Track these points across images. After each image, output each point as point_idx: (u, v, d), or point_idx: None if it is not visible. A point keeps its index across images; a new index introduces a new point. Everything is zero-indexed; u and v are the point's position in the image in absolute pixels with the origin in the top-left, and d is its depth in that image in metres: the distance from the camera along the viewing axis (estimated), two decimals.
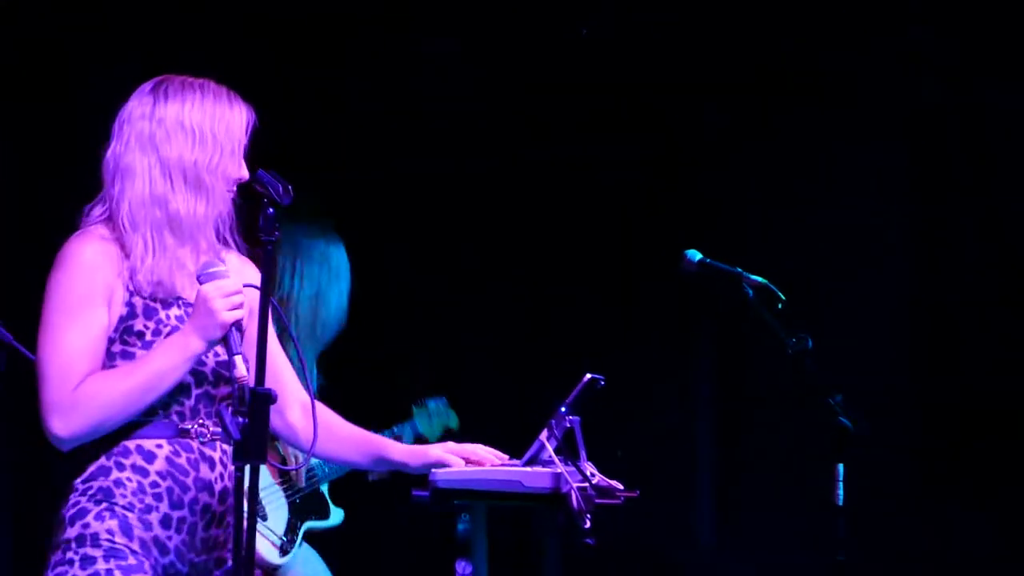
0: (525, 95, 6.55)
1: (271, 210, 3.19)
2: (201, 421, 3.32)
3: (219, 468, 3.33)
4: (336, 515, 5.47)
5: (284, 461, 5.20)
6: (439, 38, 6.39)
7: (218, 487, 3.32)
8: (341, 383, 5.38)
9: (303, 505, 5.37)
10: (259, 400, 3.09)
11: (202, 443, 3.31)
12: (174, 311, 3.33)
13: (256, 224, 3.23)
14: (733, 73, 6.58)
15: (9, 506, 5.63)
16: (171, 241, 3.32)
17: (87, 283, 3.27)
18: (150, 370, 3.22)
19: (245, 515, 3.11)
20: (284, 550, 5.29)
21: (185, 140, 3.31)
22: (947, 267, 6.42)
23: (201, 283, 3.24)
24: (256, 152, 3.47)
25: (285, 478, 5.33)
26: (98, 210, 3.38)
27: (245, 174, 3.38)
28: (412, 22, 6.34)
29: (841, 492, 4.39)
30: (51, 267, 3.32)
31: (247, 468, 3.11)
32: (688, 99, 6.61)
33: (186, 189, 3.31)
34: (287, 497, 5.34)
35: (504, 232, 6.66)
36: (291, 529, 5.33)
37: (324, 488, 5.45)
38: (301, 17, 6.09)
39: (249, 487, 3.10)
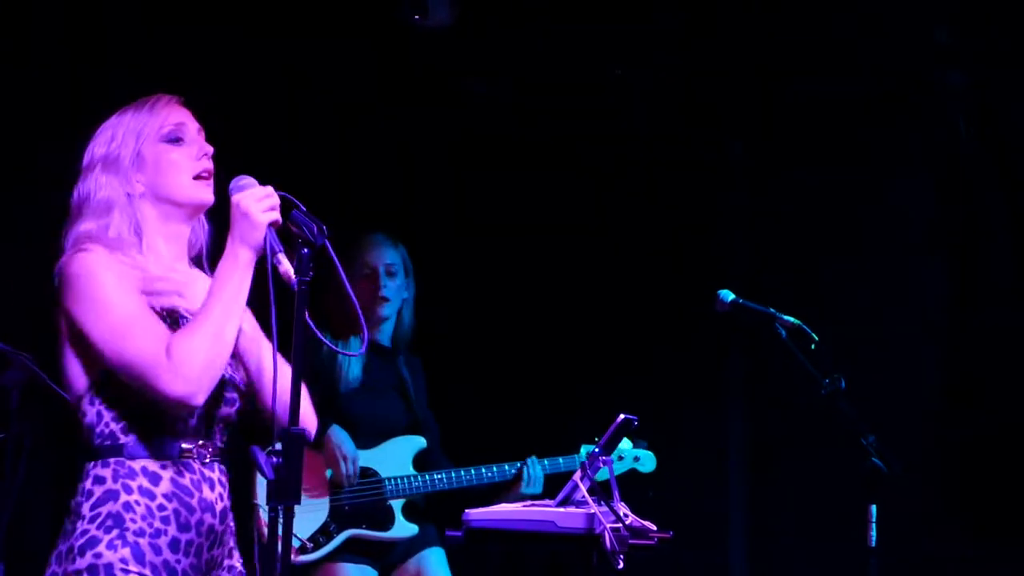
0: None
1: (306, 250, 3.14)
2: (201, 442, 3.31)
3: (219, 488, 3.32)
4: (402, 529, 5.50)
5: (335, 470, 5.41)
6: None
7: (219, 507, 3.31)
8: None
9: (353, 513, 5.46)
10: (293, 440, 3.05)
11: (202, 464, 3.30)
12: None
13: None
14: (760, 113, 6.61)
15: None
16: None
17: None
18: (222, 297, 3.22)
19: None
20: (303, 549, 5.43)
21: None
22: (981, 307, 6.40)
23: (232, 194, 3.26)
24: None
25: (335, 486, 5.44)
26: None
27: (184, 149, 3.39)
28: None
29: (874, 533, 4.37)
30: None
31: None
32: (714, 139, 6.64)
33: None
34: (332, 502, 5.43)
35: (536, 281, 6.71)
36: (323, 532, 5.44)
37: (397, 503, 5.51)
38: None
39: (284, 528, 3.07)
